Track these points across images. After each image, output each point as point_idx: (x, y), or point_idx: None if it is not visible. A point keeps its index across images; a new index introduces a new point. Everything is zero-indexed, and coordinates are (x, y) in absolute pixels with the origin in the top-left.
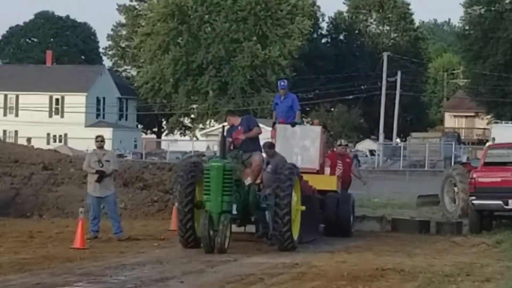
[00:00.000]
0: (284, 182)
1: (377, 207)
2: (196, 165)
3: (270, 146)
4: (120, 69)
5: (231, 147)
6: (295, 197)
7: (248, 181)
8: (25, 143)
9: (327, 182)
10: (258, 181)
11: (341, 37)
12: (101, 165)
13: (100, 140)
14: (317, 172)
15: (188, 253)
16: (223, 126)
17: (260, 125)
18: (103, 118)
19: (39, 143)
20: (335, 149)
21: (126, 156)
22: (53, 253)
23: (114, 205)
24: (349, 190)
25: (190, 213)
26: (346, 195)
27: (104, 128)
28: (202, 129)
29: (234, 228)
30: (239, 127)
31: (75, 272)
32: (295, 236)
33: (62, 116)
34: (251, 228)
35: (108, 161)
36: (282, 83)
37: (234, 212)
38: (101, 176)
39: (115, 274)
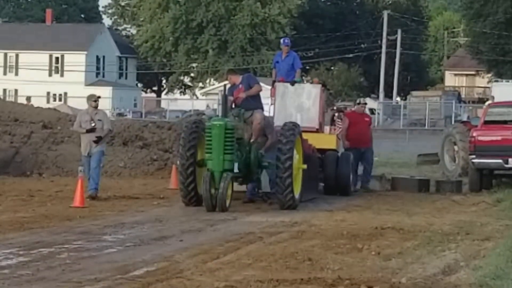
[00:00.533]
0: (285, 144)
1: (377, 166)
2: (198, 124)
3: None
4: (120, 28)
5: (233, 106)
6: (297, 156)
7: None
8: (25, 102)
9: (327, 141)
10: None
11: None
12: (93, 123)
13: (95, 100)
14: (317, 131)
15: (187, 211)
16: (225, 85)
17: (260, 83)
18: (103, 76)
19: (38, 102)
20: (353, 108)
21: (125, 115)
22: (53, 212)
23: (97, 163)
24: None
25: (192, 173)
26: (346, 153)
27: (104, 87)
28: (202, 87)
29: (236, 186)
30: (240, 86)
31: (74, 231)
32: (297, 195)
33: (61, 75)
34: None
35: (100, 120)
36: (286, 41)
37: (236, 170)
38: (99, 138)
39: (114, 233)
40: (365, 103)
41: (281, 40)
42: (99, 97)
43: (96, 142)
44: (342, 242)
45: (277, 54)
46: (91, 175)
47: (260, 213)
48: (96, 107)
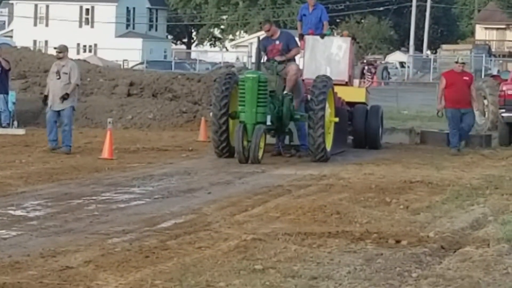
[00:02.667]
0: (318, 96)
1: (407, 119)
2: (231, 76)
3: None
4: None
5: (265, 59)
6: (329, 109)
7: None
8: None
9: (356, 94)
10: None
11: None
12: (58, 77)
13: (58, 51)
14: (346, 84)
15: (216, 164)
16: (258, 37)
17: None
18: (133, 28)
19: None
20: (452, 68)
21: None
22: (81, 163)
23: (67, 120)
24: (377, 102)
25: (224, 125)
26: (375, 107)
27: (134, 39)
28: (232, 40)
29: (269, 138)
30: (277, 42)
31: (102, 182)
32: (328, 148)
33: (92, 26)
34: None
35: (66, 73)
36: None
37: (269, 123)
38: (63, 97)
39: (142, 185)
40: (463, 63)
41: None
42: (65, 47)
43: (63, 99)
44: (370, 195)
45: (302, 7)
46: (62, 133)
47: (288, 166)
48: (59, 58)
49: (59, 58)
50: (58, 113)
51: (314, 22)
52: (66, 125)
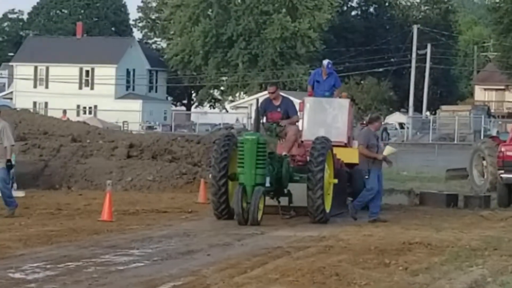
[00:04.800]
0: (317, 157)
1: (406, 180)
2: (230, 138)
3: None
4: (150, 41)
5: (263, 122)
6: (328, 170)
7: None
8: (59, 115)
9: (355, 156)
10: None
11: (371, 9)
12: None
13: None
14: (345, 145)
15: (215, 226)
16: (257, 99)
17: (290, 97)
18: (133, 90)
19: (69, 115)
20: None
21: (155, 128)
22: (81, 226)
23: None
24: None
25: (224, 187)
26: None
27: (134, 100)
28: (232, 101)
29: (268, 200)
30: (278, 109)
31: (102, 245)
32: (327, 208)
33: (92, 88)
34: (284, 201)
35: None
36: (330, 65)
37: (268, 184)
38: None
39: (141, 247)
40: None
41: (325, 63)
42: None
43: None
44: (369, 257)
45: (315, 73)
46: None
47: (287, 228)
48: None
49: None
50: None
51: (327, 89)
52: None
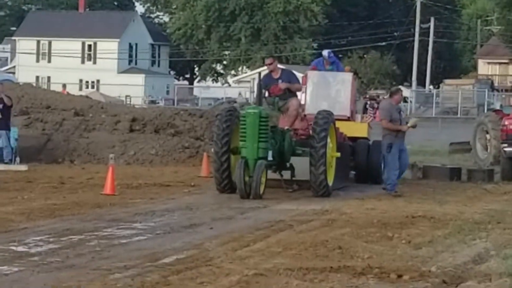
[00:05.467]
0: (320, 126)
1: (409, 154)
2: (232, 112)
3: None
4: (152, 15)
5: (266, 95)
6: (331, 144)
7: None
8: (60, 89)
9: (358, 129)
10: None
11: None
12: None
13: None
14: (348, 119)
15: (218, 199)
16: (259, 73)
17: (293, 71)
18: (135, 64)
19: (71, 89)
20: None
21: (158, 103)
22: (83, 199)
23: None
24: (379, 137)
25: (226, 163)
26: (377, 142)
27: (136, 74)
28: (234, 75)
29: (270, 174)
30: (280, 81)
31: (104, 218)
32: (330, 182)
33: (94, 62)
34: (286, 174)
35: None
36: (331, 55)
37: (270, 158)
38: None
39: (144, 220)
40: None
41: (325, 53)
42: None
43: None
44: (372, 230)
45: (317, 62)
46: None
47: (290, 201)
48: None
49: None
50: None
51: None
52: None
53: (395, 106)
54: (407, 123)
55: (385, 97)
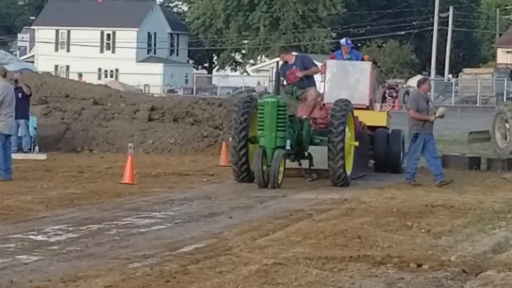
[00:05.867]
0: (338, 119)
1: None
2: (250, 101)
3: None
4: (171, 5)
5: (284, 83)
6: (349, 133)
7: None
8: (76, 78)
9: (377, 118)
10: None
11: None
12: None
13: None
14: (367, 108)
15: (237, 188)
16: (277, 62)
17: (307, 55)
18: (154, 53)
19: (90, 78)
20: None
21: (176, 92)
22: (102, 188)
23: None
24: (398, 126)
25: (244, 149)
26: (396, 131)
27: (155, 64)
28: (253, 64)
29: (288, 163)
30: (294, 66)
31: (123, 207)
32: (348, 172)
33: (113, 52)
34: (305, 163)
35: None
36: (349, 42)
37: (288, 147)
38: None
39: (163, 209)
40: None
41: (343, 41)
42: None
43: None
44: (391, 219)
45: (336, 53)
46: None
47: (310, 190)
48: None
49: None
50: None
51: None
52: None
53: (422, 95)
54: (435, 113)
55: (404, 86)
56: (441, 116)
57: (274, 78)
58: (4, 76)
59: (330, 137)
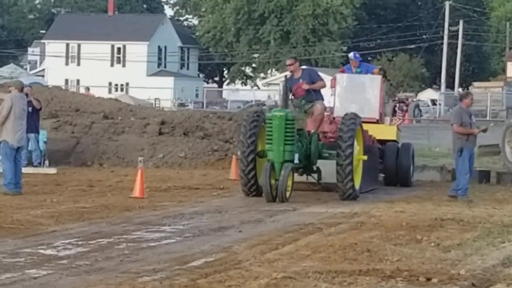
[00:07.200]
0: (346, 133)
1: (438, 157)
2: (259, 114)
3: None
4: (181, 18)
5: (292, 97)
6: (357, 147)
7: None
8: (84, 92)
9: (387, 132)
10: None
11: None
12: None
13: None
14: (377, 122)
15: (247, 202)
16: (285, 76)
17: (321, 74)
18: (165, 67)
19: (100, 92)
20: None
21: (187, 105)
22: (112, 202)
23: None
24: (408, 140)
25: (252, 163)
26: (406, 144)
27: (166, 77)
28: (263, 78)
29: (296, 177)
30: (301, 80)
31: (133, 221)
32: (357, 186)
33: (123, 65)
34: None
35: None
36: (357, 55)
37: (296, 161)
38: None
39: (173, 223)
40: None
41: (351, 55)
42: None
43: None
44: (401, 233)
45: (345, 67)
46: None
47: (319, 204)
48: None
49: None
50: None
51: None
52: None
53: (465, 109)
54: (478, 127)
55: (414, 99)
56: (484, 130)
57: (282, 92)
58: (21, 90)
59: (339, 142)
